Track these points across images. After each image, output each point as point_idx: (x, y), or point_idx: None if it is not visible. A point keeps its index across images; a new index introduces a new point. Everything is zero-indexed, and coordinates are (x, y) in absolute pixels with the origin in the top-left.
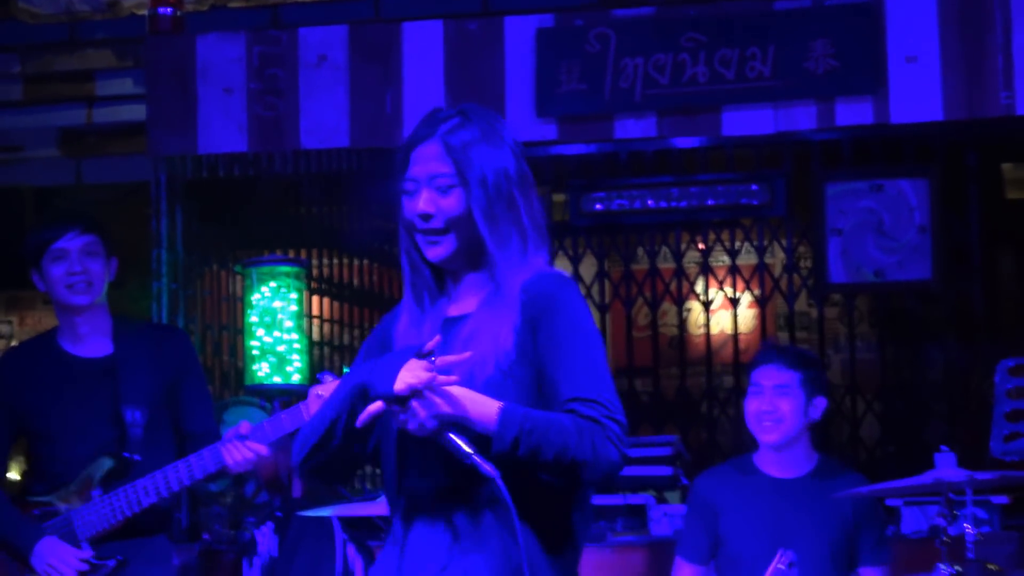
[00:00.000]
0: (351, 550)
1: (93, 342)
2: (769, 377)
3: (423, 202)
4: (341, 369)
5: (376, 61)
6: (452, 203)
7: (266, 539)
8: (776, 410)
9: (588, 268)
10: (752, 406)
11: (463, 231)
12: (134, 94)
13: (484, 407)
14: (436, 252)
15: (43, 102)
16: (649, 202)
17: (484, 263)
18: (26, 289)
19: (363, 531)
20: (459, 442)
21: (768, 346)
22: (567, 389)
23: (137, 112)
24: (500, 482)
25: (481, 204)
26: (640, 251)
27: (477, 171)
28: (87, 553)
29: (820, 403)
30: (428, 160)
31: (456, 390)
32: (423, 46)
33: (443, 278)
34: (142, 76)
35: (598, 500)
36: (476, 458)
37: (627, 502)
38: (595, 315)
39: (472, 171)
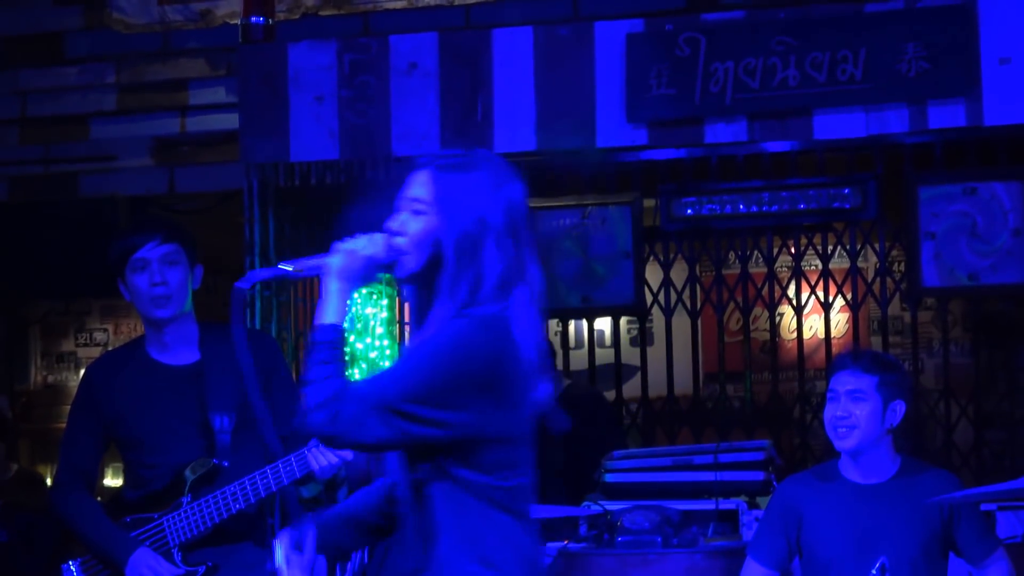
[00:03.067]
0: None
1: (180, 350)
2: (844, 383)
3: (396, 221)
4: None
5: (466, 67)
6: (419, 228)
7: None
8: (850, 415)
9: (679, 273)
10: (828, 412)
11: (423, 256)
12: (226, 103)
13: None
14: (397, 270)
15: (137, 111)
16: (740, 207)
17: (435, 293)
18: (122, 297)
19: None
20: None
21: (845, 351)
22: None
23: (229, 121)
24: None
25: (444, 236)
26: (731, 256)
27: (451, 205)
28: (179, 570)
29: (899, 407)
30: (415, 184)
31: None
32: (513, 52)
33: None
34: (234, 85)
35: (690, 505)
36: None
37: (719, 507)
38: (686, 321)
39: (446, 203)
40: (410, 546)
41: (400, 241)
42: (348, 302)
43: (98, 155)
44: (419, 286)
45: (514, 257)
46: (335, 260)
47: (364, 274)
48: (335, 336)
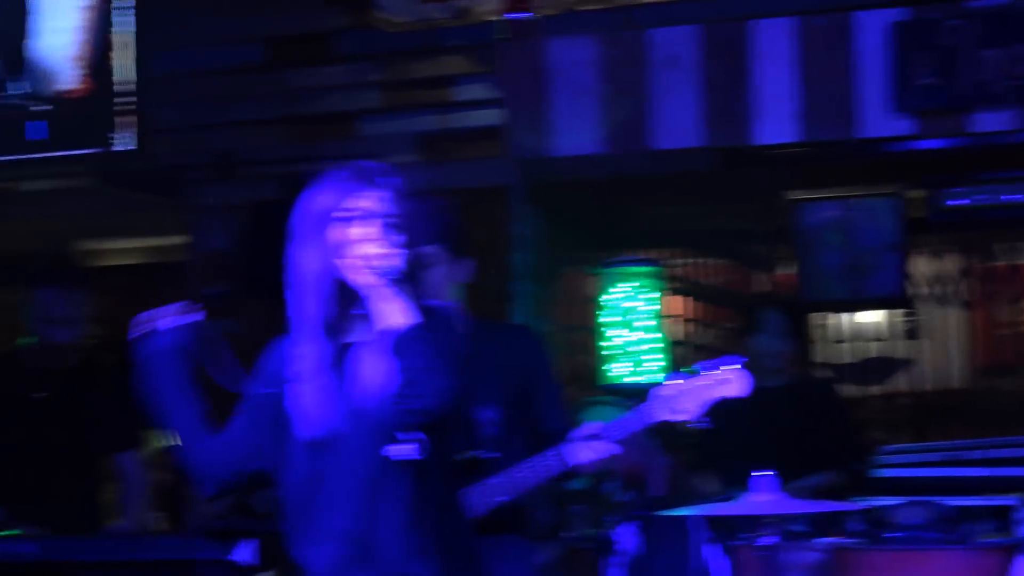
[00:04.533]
0: (714, 550)
1: None
2: None
3: (370, 232)
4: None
5: (726, 59)
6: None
7: (627, 538)
8: None
9: (949, 265)
10: None
11: None
12: (489, 99)
13: None
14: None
15: (401, 109)
16: (1010, 196)
17: None
18: None
19: (724, 531)
20: None
21: None
22: None
23: (492, 117)
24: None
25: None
26: (1002, 247)
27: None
28: None
29: None
30: (381, 199)
31: None
32: (773, 43)
33: None
34: (497, 81)
35: (962, 501)
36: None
37: (992, 504)
38: (956, 313)
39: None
40: None
41: None
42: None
43: (364, 152)
44: None
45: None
46: None
47: None
48: None
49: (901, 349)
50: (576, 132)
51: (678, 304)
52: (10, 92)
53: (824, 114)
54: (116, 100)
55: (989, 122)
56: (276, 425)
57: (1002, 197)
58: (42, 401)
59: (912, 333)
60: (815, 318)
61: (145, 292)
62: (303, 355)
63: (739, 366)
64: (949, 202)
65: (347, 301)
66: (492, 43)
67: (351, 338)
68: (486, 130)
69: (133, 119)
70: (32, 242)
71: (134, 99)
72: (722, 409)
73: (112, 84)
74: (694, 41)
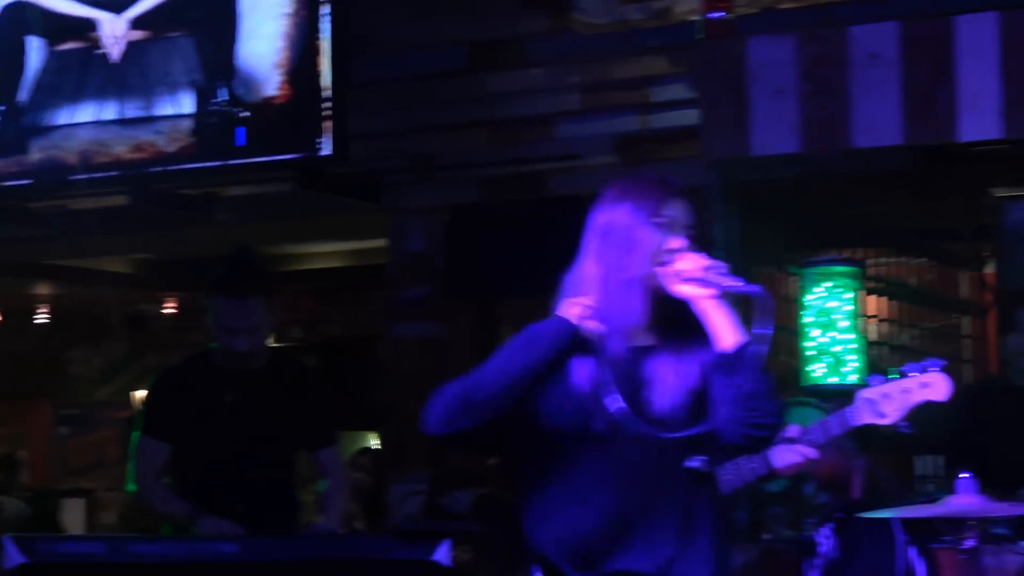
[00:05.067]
0: (912, 552)
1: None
2: None
3: (679, 240)
4: (892, 371)
5: (928, 56)
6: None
7: (826, 540)
8: None
9: None
10: None
11: None
12: (687, 99)
13: None
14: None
15: (599, 110)
16: None
17: None
18: None
19: (925, 533)
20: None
21: None
22: None
23: (690, 117)
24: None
25: None
26: None
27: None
28: None
29: None
30: (685, 209)
31: None
32: (977, 39)
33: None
34: (694, 81)
35: None
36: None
37: None
38: None
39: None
40: None
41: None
42: None
43: (563, 154)
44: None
45: None
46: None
47: None
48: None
49: None
50: (775, 131)
51: (877, 304)
52: (217, 99)
53: None
54: (317, 106)
55: None
56: (557, 415)
57: None
58: (234, 402)
59: None
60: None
61: (346, 295)
62: (604, 354)
63: (941, 369)
64: None
65: (656, 306)
66: (690, 43)
67: (646, 342)
68: (684, 131)
69: (332, 124)
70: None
71: (332, 104)
72: (979, 409)
73: (314, 90)
74: (895, 38)
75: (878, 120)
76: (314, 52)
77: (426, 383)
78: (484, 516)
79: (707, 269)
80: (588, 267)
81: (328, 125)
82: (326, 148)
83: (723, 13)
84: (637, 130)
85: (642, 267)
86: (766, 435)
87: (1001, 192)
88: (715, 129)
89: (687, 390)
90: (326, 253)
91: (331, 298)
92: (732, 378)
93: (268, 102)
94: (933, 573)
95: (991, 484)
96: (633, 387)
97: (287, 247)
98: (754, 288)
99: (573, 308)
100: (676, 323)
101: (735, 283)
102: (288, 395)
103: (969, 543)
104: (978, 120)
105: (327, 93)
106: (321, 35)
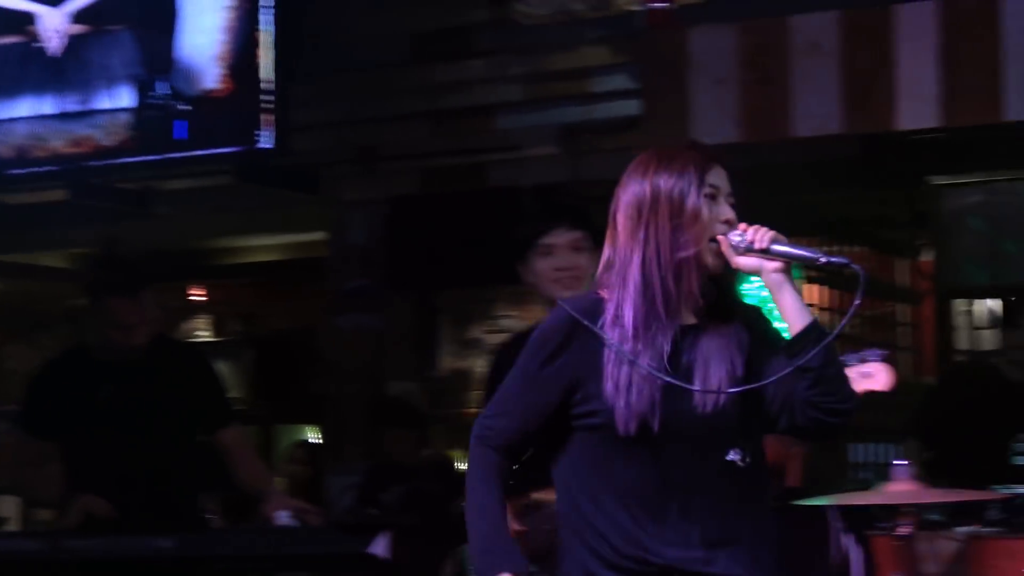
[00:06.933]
0: (848, 539)
1: None
2: None
3: (730, 211)
4: None
5: (868, 46)
6: None
7: None
8: None
9: None
10: None
11: None
12: (628, 89)
13: None
14: (717, 264)
15: (541, 101)
16: None
17: None
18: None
19: (860, 520)
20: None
21: None
22: None
23: (631, 107)
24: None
25: None
26: None
27: None
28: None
29: None
30: (725, 177)
31: None
32: (916, 27)
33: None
34: (636, 71)
35: None
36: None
37: None
38: None
39: None
40: None
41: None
42: None
43: (504, 145)
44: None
45: None
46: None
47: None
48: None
49: None
50: (715, 121)
51: (817, 293)
52: (156, 92)
53: (967, 98)
54: (257, 98)
55: None
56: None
57: None
58: (113, 395)
59: None
60: (958, 304)
61: (286, 288)
62: (646, 340)
63: (882, 359)
64: None
65: (701, 284)
66: (632, 34)
67: (688, 321)
68: (626, 120)
69: (273, 117)
70: (176, 240)
71: (274, 97)
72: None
73: (254, 83)
74: (834, 27)
75: (818, 109)
76: (255, 45)
77: (366, 375)
78: (417, 509)
79: (775, 240)
80: (627, 249)
81: (269, 118)
82: (266, 141)
83: (664, 3)
84: (579, 120)
85: (698, 243)
86: (840, 421)
87: (938, 180)
88: (656, 119)
89: (734, 372)
90: (266, 246)
91: (271, 291)
92: (805, 360)
93: (208, 95)
94: (868, 559)
95: (963, 471)
96: (679, 372)
97: (227, 240)
98: (840, 259)
99: None
100: (715, 301)
101: (812, 254)
102: (172, 382)
103: (904, 529)
104: (916, 109)
105: (268, 86)
106: (262, 27)
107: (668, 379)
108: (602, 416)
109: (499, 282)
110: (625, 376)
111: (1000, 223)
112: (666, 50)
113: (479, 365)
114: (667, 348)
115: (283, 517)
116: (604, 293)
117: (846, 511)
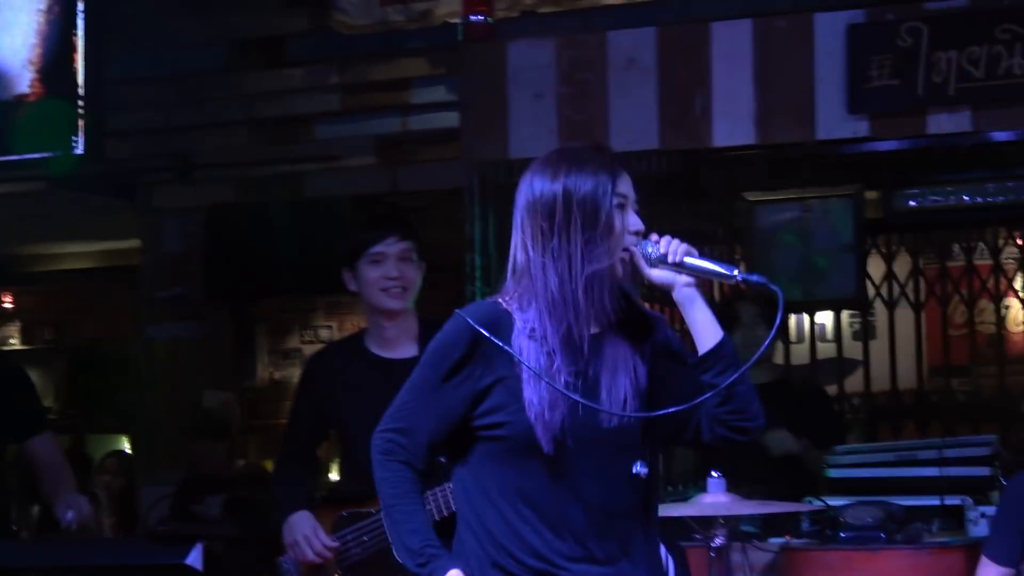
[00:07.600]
0: (662, 550)
1: (400, 345)
2: None
3: (639, 221)
4: None
5: (685, 62)
6: None
7: None
8: None
9: (902, 266)
10: None
11: None
12: (447, 101)
13: None
14: (627, 275)
15: (359, 111)
16: (964, 198)
17: None
18: (347, 295)
19: (675, 531)
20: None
21: None
22: None
23: (450, 119)
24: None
25: None
26: (956, 248)
27: None
28: (333, 543)
29: None
30: (631, 184)
31: None
32: (732, 45)
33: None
34: (455, 84)
35: (914, 501)
36: (742, 275)
37: (944, 503)
38: (909, 314)
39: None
40: None
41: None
42: None
43: (322, 155)
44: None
45: None
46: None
47: None
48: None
49: (855, 350)
50: (533, 134)
51: None
52: None
53: (781, 116)
54: (71, 104)
55: (944, 124)
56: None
57: (954, 199)
58: None
59: (866, 334)
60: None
61: (99, 296)
62: (562, 357)
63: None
64: (904, 203)
65: (612, 295)
66: (451, 46)
67: (592, 330)
68: (444, 132)
69: (87, 123)
70: None
71: (87, 103)
72: None
73: (68, 87)
74: (652, 43)
75: (635, 124)
76: (69, 49)
77: (179, 384)
78: (235, 519)
79: (688, 253)
80: (539, 262)
81: (82, 124)
82: (79, 147)
83: (483, 17)
84: (397, 131)
85: (611, 256)
86: (747, 439)
87: (753, 196)
88: (475, 132)
89: (638, 383)
90: (79, 253)
91: (83, 299)
92: (713, 376)
93: (20, 99)
94: (683, 570)
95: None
96: (587, 384)
97: (39, 247)
98: (757, 278)
99: None
100: (621, 313)
101: (727, 270)
102: None
103: (718, 541)
104: (732, 125)
105: (82, 91)
106: (76, 31)
107: (583, 400)
108: (508, 428)
109: (316, 292)
110: (544, 395)
111: (810, 239)
112: (485, 63)
113: (296, 375)
114: (580, 363)
115: (68, 516)
116: (504, 302)
117: (662, 522)
